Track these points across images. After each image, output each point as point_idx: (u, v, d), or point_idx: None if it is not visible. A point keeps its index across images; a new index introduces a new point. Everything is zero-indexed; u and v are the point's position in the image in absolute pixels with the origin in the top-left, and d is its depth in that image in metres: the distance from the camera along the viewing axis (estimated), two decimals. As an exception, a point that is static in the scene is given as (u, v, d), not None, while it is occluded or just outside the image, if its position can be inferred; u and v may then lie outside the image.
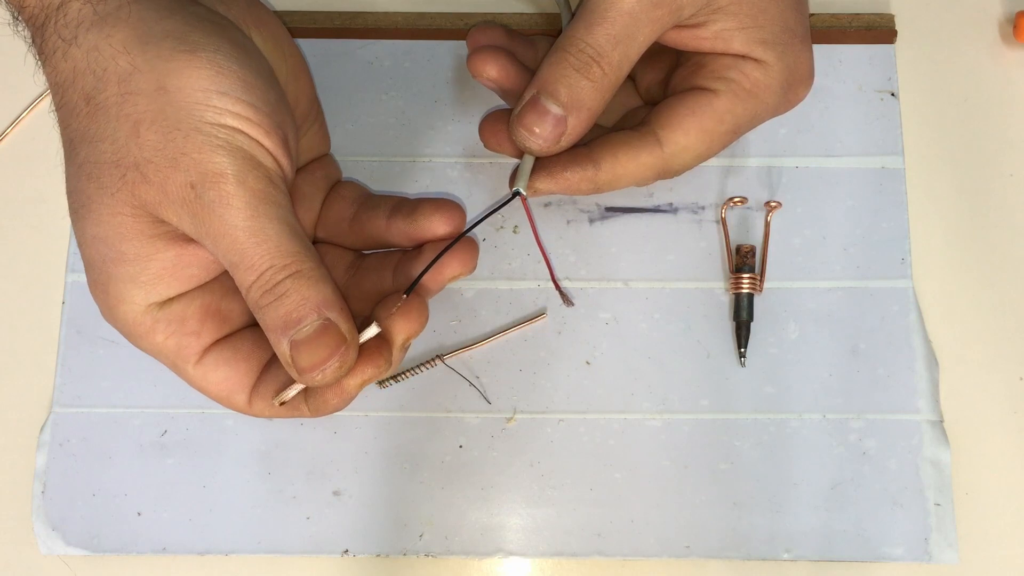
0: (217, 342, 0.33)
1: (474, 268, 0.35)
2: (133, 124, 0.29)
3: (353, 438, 0.38)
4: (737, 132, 0.35)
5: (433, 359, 0.38)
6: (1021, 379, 0.39)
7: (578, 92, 0.32)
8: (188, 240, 0.30)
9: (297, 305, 0.29)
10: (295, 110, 0.34)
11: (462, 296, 0.39)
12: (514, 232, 0.40)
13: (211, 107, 0.29)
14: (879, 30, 0.42)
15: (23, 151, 0.41)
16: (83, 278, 0.39)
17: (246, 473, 0.38)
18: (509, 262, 0.39)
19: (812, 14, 0.42)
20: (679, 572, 0.37)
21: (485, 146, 0.37)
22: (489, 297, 0.39)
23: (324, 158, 0.38)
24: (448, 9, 0.42)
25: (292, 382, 0.32)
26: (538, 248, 0.38)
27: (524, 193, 0.34)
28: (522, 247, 0.40)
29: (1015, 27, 0.41)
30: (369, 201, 0.36)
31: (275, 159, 0.30)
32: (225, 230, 0.29)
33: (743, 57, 0.33)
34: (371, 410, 0.38)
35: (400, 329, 0.32)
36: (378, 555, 0.37)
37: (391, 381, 0.38)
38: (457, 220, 0.35)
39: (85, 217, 0.30)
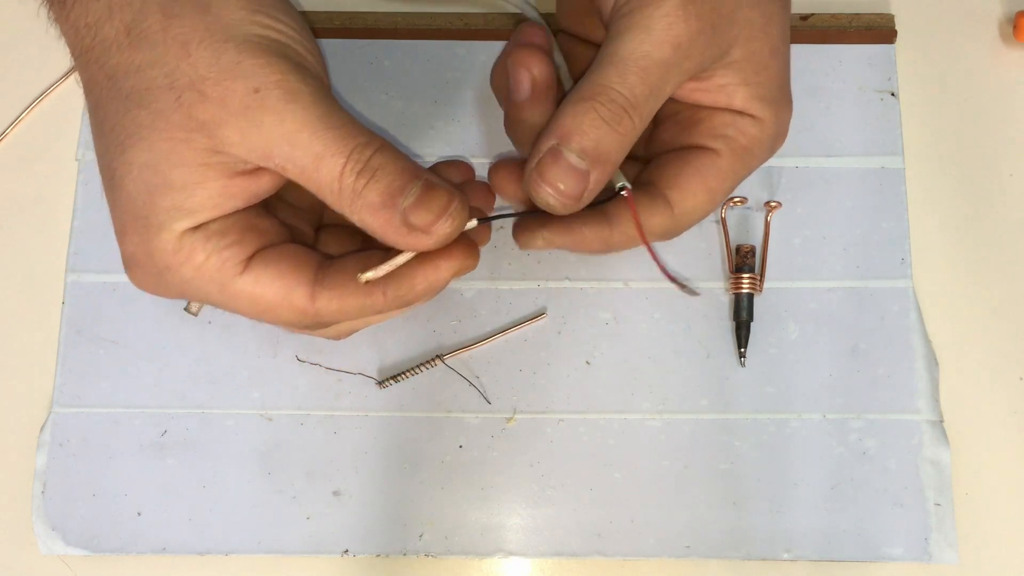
0: (259, 251, 0.31)
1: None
2: (182, 45, 0.29)
3: (353, 438, 0.38)
4: (734, 187, 0.34)
5: (433, 359, 0.38)
6: (1021, 379, 0.39)
7: (605, 144, 0.30)
8: (238, 172, 0.30)
9: (397, 173, 0.29)
10: None
11: (462, 296, 0.39)
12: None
13: (255, 22, 0.29)
14: (879, 30, 0.42)
15: (23, 151, 0.41)
16: (83, 278, 0.39)
17: (246, 473, 0.38)
18: (509, 262, 0.39)
19: (812, 14, 0.42)
20: (679, 572, 0.37)
21: (498, 194, 0.35)
22: (489, 297, 0.39)
23: None
24: (448, 9, 0.42)
25: (359, 268, 0.31)
26: (649, 253, 0.33)
27: (628, 186, 0.32)
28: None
29: (1015, 27, 0.41)
30: None
31: (320, 74, 0.31)
32: (299, 124, 0.29)
33: (739, 113, 0.33)
34: (371, 410, 0.38)
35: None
36: (378, 555, 0.37)
37: (391, 381, 0.38)
38: (465, 169, 0.35)
39: (134, 146, 0.29)
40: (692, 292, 0.37)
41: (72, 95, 0.42)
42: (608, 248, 0.33)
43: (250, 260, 0.31)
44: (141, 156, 0.29)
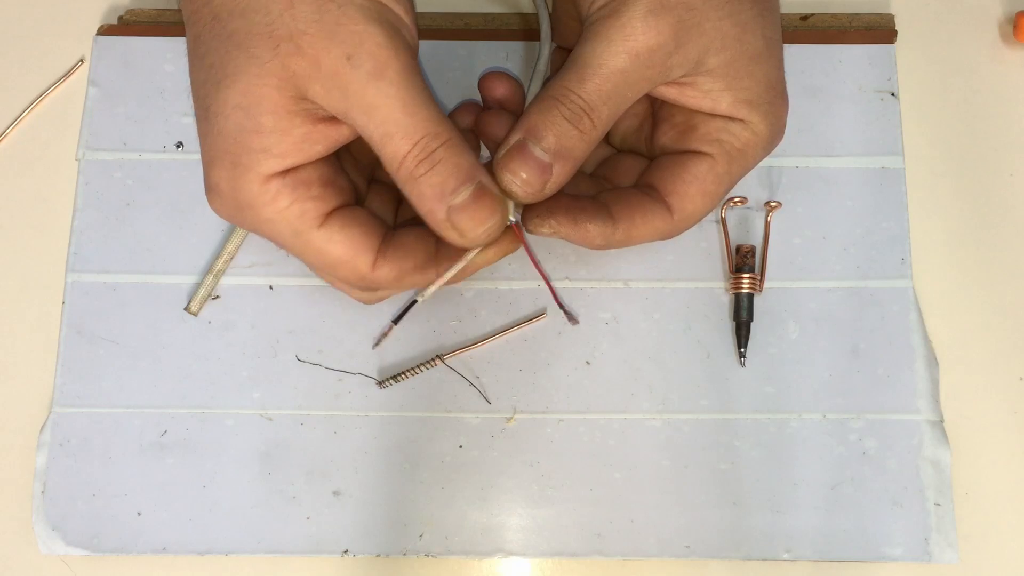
0: (337, 209, 0.33)
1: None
2: None
3: (353, 438, 0.38)
4: (731, 189, 0.36)
5: (433, 359, 0.38)
6: (1021, 379, 0.39)
7: (566, 141, 0.33)
8: (320, 118, 0.31)
9: (453, 173, 0.31)
10: None
11: (462, 296, 0.39)
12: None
13: None
14: (879, 30, 0.42)
15: (23, 151, 0.41)
16: (83, 278, 0.39)
17: (246, 473, 0.38)
18: (509, 262, 0.39)
19: (812, 14, 0.42)
20: (679, 572, 0.37)
21: (481, 135, 0.36)
22: (489, 297, 0.39)
23: None
24: (448, 9, 0.42)
25: (419, 247, 0.33)
26: (537, 272, 0.38)
27: (514, 220, 0.34)
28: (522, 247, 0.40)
29: (1015, 27, 0.41)
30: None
31: (413, 35, 0.32)
32: (381, 101, 0.30)
33: (730, 119, 0.34)
34: (371, 410, 0.38)
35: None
36: (378, 555, 0.37)
37: (391, 381, 0.38)
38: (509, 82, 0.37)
39: (230, 87, 0.31)
40: (573, 320, 0.39)
41: (72, 95, 0.42)
42: (609, 245, 0.35)
43: (328, 216, 0.32)
44: (235, 97, 0.31)
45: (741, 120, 0.34)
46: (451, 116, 0.38)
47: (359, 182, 0.36)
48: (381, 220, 0.34)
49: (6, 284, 0.40)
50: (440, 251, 0.34)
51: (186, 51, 0.33)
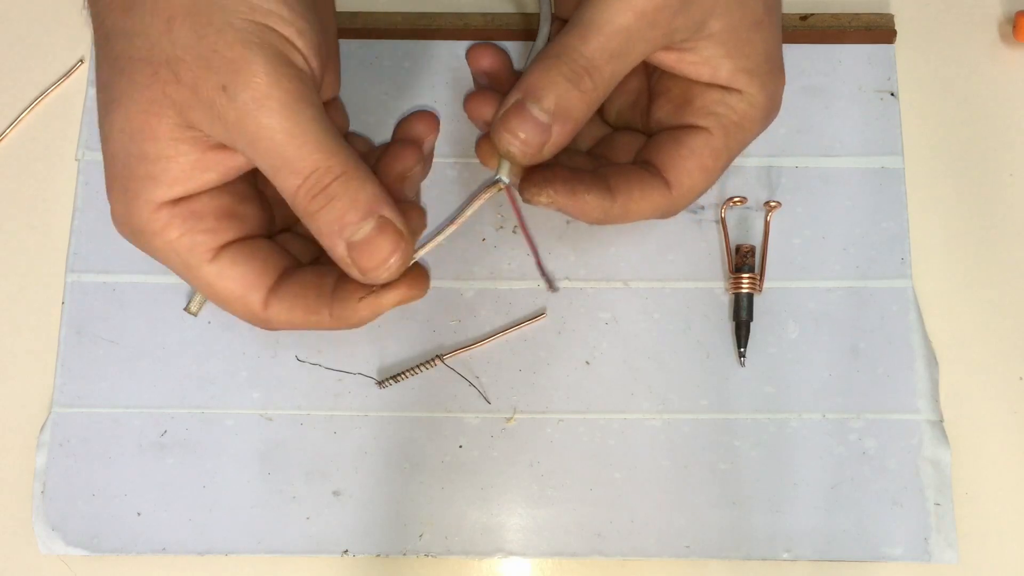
0: (233, 242, 0.32)
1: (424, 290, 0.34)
2: (167, 19, 0.28)
3: (353, 438, 0.38)
4: (729, 163, 0.35)
5: (433, 359, 0.38)
6: (1021, 379, 0.39)
7: (566, 101, 0.32)
8: (211, 146, 0.30)
9: (349, 208, 0.29)
10: None
11: (462, 296, 0.39)
12: (514, 232, 0.40)
13: (244, 2, 0.28)
14: (879, 30, 0.42)
15: (23, 151, 0.41)
16: (83, 278, 0.39)
17: (246, 473, 0.38)
18: (509, 262, 0.39)
19: (812, 14, 0.42)
20: (679, 572, 0.37)
21: (473, 119, 0.36)
22: (489, 297, 0.39)
23: (332, 103, 0.37)
24: (448, 9, 0.42)
25: (312, 288, 0.32)
26: (524, 236, 0.38)
27: (507, 182, 0.33)
28: (522, 247, 0.40)
29: (1015, 27, 0.41)
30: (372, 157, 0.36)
31: (307, 60, 0.30)
32: (263, 133, 0.28)
33: (727, 89, 0.34)
34: (371, 410, 0.38)
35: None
36: (378, 555, 0.37)
37: (391, 381, 0.38)
38: (431, 120, 0.36)
39: (114, 111, 0.30)
40: (553, 288, 0.38)
41: (72, 95, 0.42)
42: (606, 219, 0.34)
43: (221, 250, 0.31)
44: (120, 122, 0.30)
45: (739, 91, 0.33)
46: (403, 124, 0.36)
47: (287, 210, 0.33)
48: (286, 255, 0.33)
49: (6, 284, 0.40)
50: (338, 289, 0.32)
51: None
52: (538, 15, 0.41)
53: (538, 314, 0.39)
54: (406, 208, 0.32)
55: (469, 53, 0.37)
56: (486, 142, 0.35)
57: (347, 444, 0.38)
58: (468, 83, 0.41)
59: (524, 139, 0.32)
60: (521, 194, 0.34)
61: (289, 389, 0.38)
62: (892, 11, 0.42)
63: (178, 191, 0.30)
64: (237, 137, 0.29)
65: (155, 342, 0.39)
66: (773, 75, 0.34)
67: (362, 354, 0.39)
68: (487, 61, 0.37)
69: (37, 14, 0.43)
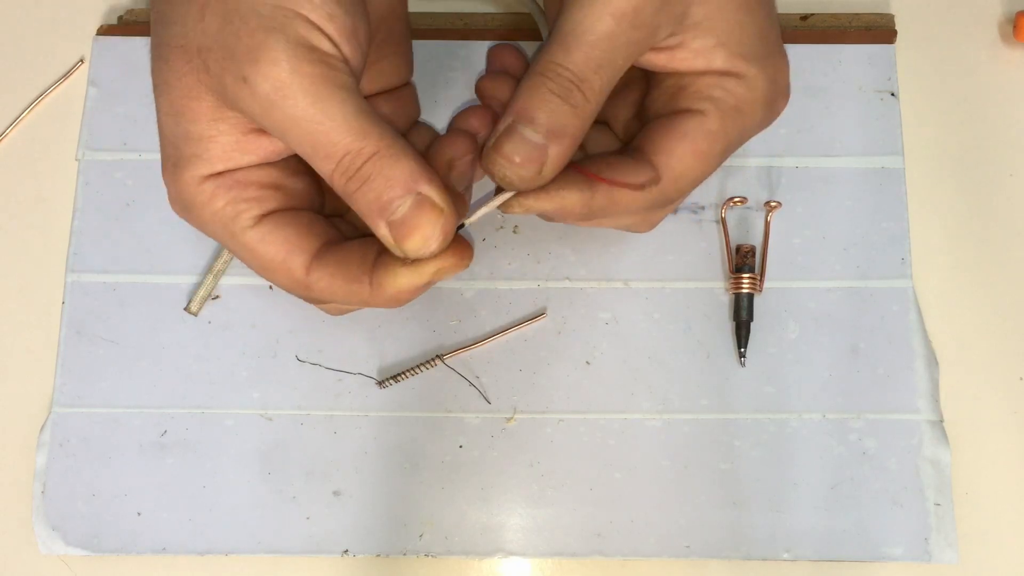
0: (278, 211, 0.32)
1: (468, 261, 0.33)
2: (200, 7, 0.29)
3: (353, 438, 0.38)
4: (728, 152, 0.33)
5: (433, 359, 0.38)
6: (1021, 379, 0.39)
7: (559, 118, 0.30)
8: (251, 128, 0.30)
9: (386, 187, 0.29)
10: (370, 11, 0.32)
11: (462, 296, 0.39)
12: (514, 232, 0.40)
13: None
14: (879, 30, 0.42)
15: (23, 151, 0.41)
16: (83, 278, 0.39)
17: (246, 473, 0.38)
18: (509, 262, 0.39)
19: (812, 14, 0.42)
20: (679, 572, 0.37)
21: (482, 96, 0.35)
22: (489, 297, 0.39)
23: (403, 90, 0.36)
24: (448, 9, 0.42)
25: (355, 257, 0.31)
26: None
27: (466, 224, 0.32)
28: (522, 247, 0.40)
29: (1015, 27, 0.41)
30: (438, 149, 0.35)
31: (335, 44, 0.29)
32: (289, 124, 0.28)
33: (724, 74, 0.32)
34: (371, 410, 0.38)
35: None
36: (378, 555, 0.37)
37: (391, 381, 0.38)
38: (485, 115, 0.35)
39: (161, 95, 0.30)
40: (634, 187, 0.33)
41: (72, 95, 0.42)
42: (590, 213, 0.32)
43: (264, 217, 0.31)
44: (165, 105, 0.30)
45: (736, 75, 0.32)
46: (456, 121, 0.35)
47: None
48: (332, 228, 0.33)
49: (6, 284, 0.40)
50: (380, 259, 0.31)
51: None
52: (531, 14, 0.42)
53: (538, 314, 0.39)
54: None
55: (491, 52, 0.36)
56: (478, 113, 0.35)
57: (347, 444, 0.38)
58: (468, 83, 0.41)
59: (520, 163, 0.30)
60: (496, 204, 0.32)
61: (289, 389, 0.38)
62: (892, 11, 0.42)
63: (220, 167, 0.31)
64: (268, 125, 0.29)
65: (155, 342, 0.39)
66: (772, 57, 0.32)
67: (362, 354, 0.39)
68: (508, 59, 0.36)
69: (37, 14, 0.43)
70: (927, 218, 0.40)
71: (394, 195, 0.29)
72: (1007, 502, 0.38)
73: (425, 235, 0.30)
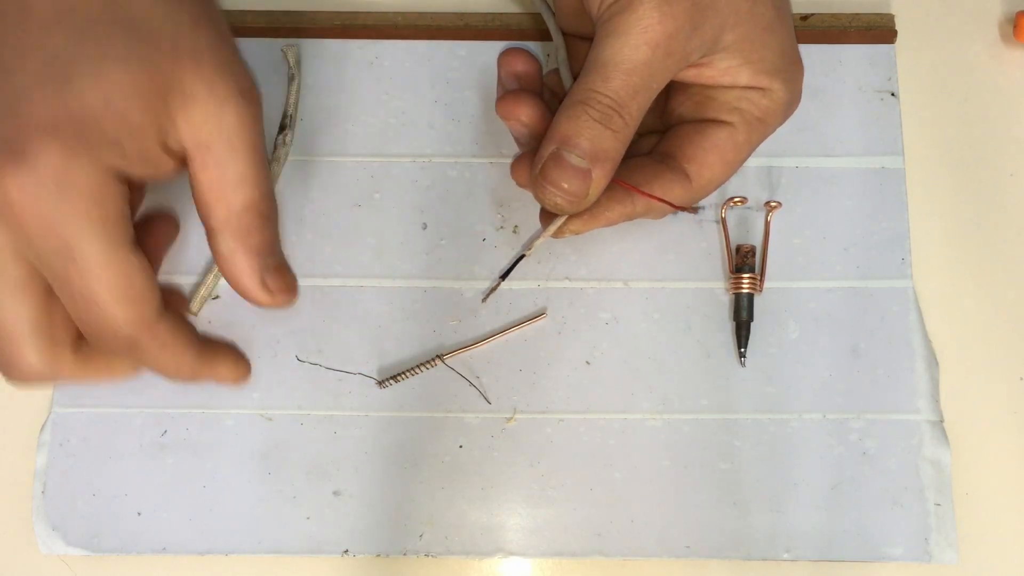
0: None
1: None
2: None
3: (353, 438, 0.38)
4: (750, 156, 0.36)
5: (433, 359, 0.38)
6: (1021, 379, 0.39)
7: (601, 143, 0.32)
8: (166, 144, 0.30)
9: (275, 239, 0.32)
10: None
11: (462, 296, 0.39)
12: (514, 232, 0.40)
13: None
14: (879, 30, 0.42)
15: (23, 151, 0.41)
16: (83, 278, 0.39)
17: (246, 473, 0.38)
18: (509, 262, 0.39)
19: (812, 14, 0.42)
20: (679, 572, 0.37)
21: (518, 183, 0.36)
22: (489, 297, 0.39)
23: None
24: (448, 9, 0.42)
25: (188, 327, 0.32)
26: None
27: (526, 255, 0.37)
28: (522, 247, 0.40)
29: (1015, 27, 0.41)
30: None
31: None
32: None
33: (749, 87, 0.34)
34: (371, 410, 0.38)
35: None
36: (378, 555, 0.37)
37: (391, 381, 0.38)
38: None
39: (122, 61, 0.29)
40: (694, 211, 0.39)
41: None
42: (631, 218, 0.36)
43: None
44: (118, 74, 0.29)
45: (761, 88, 0.34)
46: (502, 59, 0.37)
47: None
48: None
49: (6, 284, 0.40)
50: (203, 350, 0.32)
51: None
52: (538, 15, 0.42)
53: (538, 314, 0.39)
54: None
55: (502, 57, 0.37)
56: (524, 165, 0.35)
57: (347, 444, 0.38)
58: (468, 83, 0.41)
59: (568, 189, 0.33)
60: (544, 229, 0.35)
61: (289, 389, 0.38)
62: (892, 11, 0.42)
63: (138, 173, 0.30)
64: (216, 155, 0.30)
65: (155, 342, 0.39)
66: (791, 70, 0.35)
67: (362, 354, 0.39)
68: (520, 65, 0.37)
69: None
70: (927, 218, 0.40)
71: (276, 247, 0.32)
72: (1007, 502, 0.38)
73: (289, 284, 0.33)
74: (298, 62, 0.41)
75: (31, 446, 0.38)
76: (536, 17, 0.42)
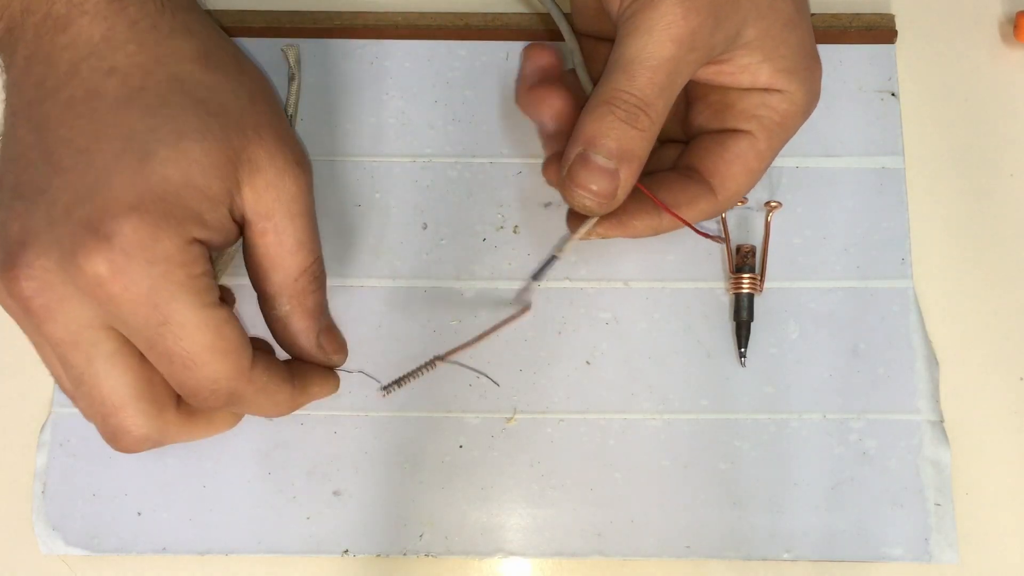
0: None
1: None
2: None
3: (353, 438, 0.38)
4: (772, 163, 0.36)
5: (432, 361, 0.38)
6: (1021, 379, 0.39)
7: (628, 143, 0.32)
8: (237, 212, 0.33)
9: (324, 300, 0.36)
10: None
11: (462, 296, 0.39)
12: (514, 232, 0.40)
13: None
14: (879, 30, 0.42)
15: (23, 151, 0.41)
16: (83, 278, 0.39)
17: (246, 473, 0.38)
18: (509, 262, 0.39)
19: (812, 14, 0.42)
20: (679, 572, 0.37)
21: (529, 110, 0.37)
22: (489, 297, 0.39)
23: None
24: (448, 9, 0.42)
25: (279, 365, 0.34)
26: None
27: (559, 257, 0.38)
28: (522, 247, 0.40)
29: (1015, 27, 0.41)
30: None
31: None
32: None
33: (768, 91, 0.34)
34: (371, 410, 0.38)
35: None
36: (378, 555, 0.37)
37: (394, 386, 0.38)
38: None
39: (198, 141, 0.31)
40: (721, 240, 0.39)
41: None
42: (657, 233, 0.36)
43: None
44: (196, 152, 0.31)
45: (779, 91, 0.34)
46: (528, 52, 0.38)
47: None
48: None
49: (6, 284, 0.40)
50: (296, 371, 0.34)
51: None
52: (542, 15, 0.42)
53: (521, 310, 0.39)
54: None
55: (528, 50, 0.38)
56: (554, 164, 0.35)
57: (347, 444, 0.38)
58: (468, 83, 0.41)
59: (596, 190, 0.32)
60: (570, 231, 0.35)
61: (289, 389, 0.38)
62: (893, 11, 0.42)
63: (217, 240, 0.32)
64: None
65: (155, 342, 0.39)
66: (810, 69, 0.34)
67: (362, 354, 0.39)
68: (547, 59, 0.37)
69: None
70: (927, 218, 0.40)
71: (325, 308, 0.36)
72: (1007, 502, 0.38)
73: (341, 344, 0.37)
74: (298, 62, 0.41)
75: (31, 446, 0.38)
76: (539, 17, 0.42)
